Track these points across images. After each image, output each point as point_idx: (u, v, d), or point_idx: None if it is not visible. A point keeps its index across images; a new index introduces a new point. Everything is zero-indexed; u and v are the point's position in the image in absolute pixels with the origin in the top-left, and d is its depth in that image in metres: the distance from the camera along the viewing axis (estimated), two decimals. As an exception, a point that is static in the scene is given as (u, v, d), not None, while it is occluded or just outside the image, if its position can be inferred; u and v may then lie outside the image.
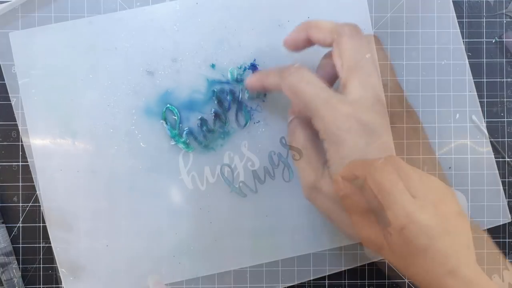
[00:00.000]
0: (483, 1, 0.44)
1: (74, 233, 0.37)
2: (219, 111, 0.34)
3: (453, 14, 0.44)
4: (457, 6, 0.44)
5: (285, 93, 0.28)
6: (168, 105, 0.31)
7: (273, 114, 0.40)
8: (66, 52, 0.41)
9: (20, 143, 0.42)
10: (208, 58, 0.41)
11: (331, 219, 0.27)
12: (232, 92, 0.33)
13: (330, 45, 0.30)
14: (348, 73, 0.27)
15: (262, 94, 0.37)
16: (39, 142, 0.41)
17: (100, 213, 0.37)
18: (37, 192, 0.42)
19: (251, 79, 0.34)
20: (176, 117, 0.32)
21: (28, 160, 0.41)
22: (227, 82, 0.40)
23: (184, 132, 0.32)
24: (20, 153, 0.42)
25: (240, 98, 0.33)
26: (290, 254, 0.42)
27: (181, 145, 0.31)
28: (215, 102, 0.32)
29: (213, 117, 0.33)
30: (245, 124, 0.32)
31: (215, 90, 0.33)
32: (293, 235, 0.42)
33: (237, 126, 0.34)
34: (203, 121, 0.32)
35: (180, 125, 0.32)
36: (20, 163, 0.42)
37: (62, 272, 0.36)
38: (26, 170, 0.42)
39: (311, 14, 0.42)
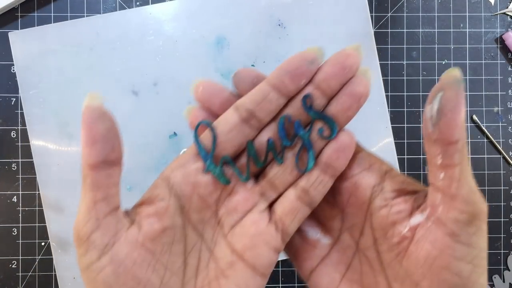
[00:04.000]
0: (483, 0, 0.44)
1: (64, 214, 0.41)
2: (279, 142, 0.23)
3: (454, 14, 0.44)
4: (458, 5, 0.44)
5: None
6: (202, 120, 0.23)
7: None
8: (65, 52, 0.41)
9: (19, 143, 0.42)
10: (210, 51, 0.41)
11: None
12: (299, 124, 0.23)
13: None
14: None
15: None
16: (39, 142, 0.41)
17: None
18: (37, 192, 0.42)
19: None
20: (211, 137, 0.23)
21: (33, 153, 0.41)
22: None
23: (221, 162, 0.22)
24: (20, 152, 0.42)
25: (308, 135, 0.23)
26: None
27: (216, 176, 0.22)
28: (278, 127, 0.23)
29: (266, 148, 0.23)
30: (306, 170, 0.23)
31: (285, 115, 0.23)
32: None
33: (290, 167, 0.23)
34: (250, 149, 0.23)
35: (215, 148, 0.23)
36: (20, 163, 0.42)
37: (53, 245, 0.41)
38: (25, 170, 0.42)
39: (311, 14, 0.42)
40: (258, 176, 0.24)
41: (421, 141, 0.43)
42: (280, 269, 0.43)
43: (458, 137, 0.19)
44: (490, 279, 0.43)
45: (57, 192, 0.41)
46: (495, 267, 0.43)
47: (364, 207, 0.23)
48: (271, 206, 0.24)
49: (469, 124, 0.44)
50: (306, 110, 0.22)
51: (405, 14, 0.44)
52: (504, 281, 0.43)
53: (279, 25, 0.42)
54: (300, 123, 0.23)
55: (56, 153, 0.41)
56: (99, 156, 0.20)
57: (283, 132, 0.23)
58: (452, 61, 0.44)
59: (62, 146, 0.41)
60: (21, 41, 0.41)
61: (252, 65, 0.41)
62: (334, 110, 0.22)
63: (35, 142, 0.41)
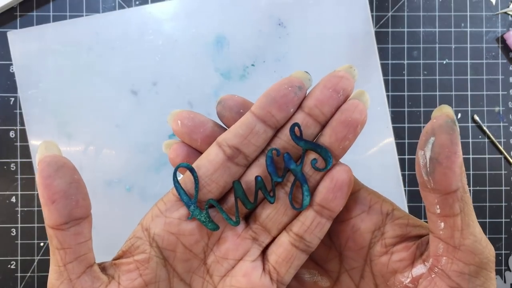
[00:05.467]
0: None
1: None
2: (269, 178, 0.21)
3: (455, 13, 0.44)
4: (459, 5, 0.44)
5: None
6: (181, 163, 0.20)
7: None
8: (64, 52, 0.41)
9: (18, 143, 0.42)
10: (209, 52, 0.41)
11: None
12: (290, 157, 0.20)
13: None
14: None
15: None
16: (38, 142, 0.41)
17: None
18: (36, 193, 0.41)
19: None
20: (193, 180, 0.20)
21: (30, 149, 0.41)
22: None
23: (206, 206, 0.20)
24: (19, 152, 0.42)
25: (301, 169, 0.20)
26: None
27: (202, 222, 0.20)
28: (266, 163, 0.20)
29: (254, 187, 0.20)
30: (302, 208, 0.20)
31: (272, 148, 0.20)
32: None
33: (284, 206, 0.21)
34: (238, 190, 0.20)
35: (199, 190, 0.20)
36: (19, 163, 0.42)
37: None
38: (24, 170, 0.42)
39: (311, 13, 0.42)
40: (249, 216, 0.22)
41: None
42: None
43: (456, 186, 0.17)
44: (491, 279, 0.43)
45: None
46: (496, 267, 0.43)
47: (364, 252, 0.21)
48: (264, 250, 0.21)
49: (470, 124, 0.44)
50: (295, 141, 0.20)
51: (405, 14, 0.44)
52: (505, 282, 0.43)
53: (279, 24, 0.42)
54: (291, 156, 0.20)
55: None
56: (61, 215, 0.18)
57: (272, 167, 0.20)
58: (453, 61, 0.44)
59: (61, 146, 0.41)
60: (20, 40, 0.41)
61: (252, 65, 0.41)
62: (328, 141, 0.20)
63: (34, 142, 0.41)
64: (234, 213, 0.21)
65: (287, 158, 0.20)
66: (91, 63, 0.41)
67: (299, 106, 0.20)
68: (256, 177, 0.20)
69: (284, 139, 0.20)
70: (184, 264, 0.21)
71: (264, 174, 0.21)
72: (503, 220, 0.43)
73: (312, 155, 0.20)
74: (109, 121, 0.41)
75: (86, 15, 0.42)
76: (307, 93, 0.21)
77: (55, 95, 0.41)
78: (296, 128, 0.20)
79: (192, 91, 0.41)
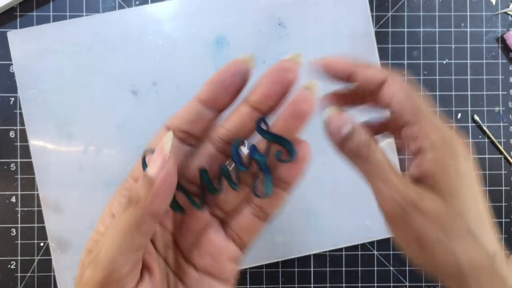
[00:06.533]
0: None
1: (63, 215, 0.41)
2: (233, 167, 0.22)
3: (454, 13, 0.44)
4: (459, 5, 0.44)
5: (391, 94, 0.23)
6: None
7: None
8: (64, 52, 0.41)
9: (18, 143, 0.42)
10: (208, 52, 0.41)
11: (427, 246, 0.22)
12: (255, 147, 0.21)
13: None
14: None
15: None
16: (38, 142, 0.41)
17: (84, 201, 0.41)
18: (36, 193, 0.42)
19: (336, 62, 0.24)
20: None
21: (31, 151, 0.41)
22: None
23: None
24: (19, 152, 0.42)
25: (265, 159, 0.21)
26: (292, 254, 0.42)
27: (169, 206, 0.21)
28: (232, 152, 0.21)
29: (219, 174, 0.22)
30: (264, 196, 0.21)
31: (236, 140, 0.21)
32: (294, 236, 0.42)
33: (244, 193, 0.23)
34: (203, 175, 0.21)
35: None
36: (19, 163, 0.42)
37: (52, 246, 0.41)
38: (24, 170, 0.42)
39: (311, 13, 0.42)
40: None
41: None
42: (280, 269, 0.43)
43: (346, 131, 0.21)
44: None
45: (56, 192, 0.41)
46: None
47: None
48: (226, 221, 0.23)
49: (470, 124, 0.44)
50: (261, 134, 0.21)
51: (405, 14, 0.44)
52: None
53: (279, 24, 0.42)
54: (256, 146, 0.21)
55: (55, 153, 0.41)
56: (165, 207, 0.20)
57: (237, 157, 0.21)
58: (453, 61, 0.44)
59: (61, 146, 0.41)
60: (20, 40, 0.41)
61: (252, 65, 0.41)
62: (276, 130, 0.21)
63: (34, 142, 0.41)
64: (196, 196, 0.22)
65: (252, 149, 0.21)
66: (91, 63, 0.41)
67: (245, 100, 0.21)
68: (221, 166, 0.22)
69: (229, 129, 0.22)
70: (162, 240, 0.22)
71: (211, 160, 0.22)
72: (503, 220, 0.43)
73: (276, 147, 0.21)
74: (109, 121, 0.41)
75: (86, 15, 0.42)
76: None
77: (55, 95, 0.41)
78: (262, 122, 0.21)
79: (192, 91, 0.41)
